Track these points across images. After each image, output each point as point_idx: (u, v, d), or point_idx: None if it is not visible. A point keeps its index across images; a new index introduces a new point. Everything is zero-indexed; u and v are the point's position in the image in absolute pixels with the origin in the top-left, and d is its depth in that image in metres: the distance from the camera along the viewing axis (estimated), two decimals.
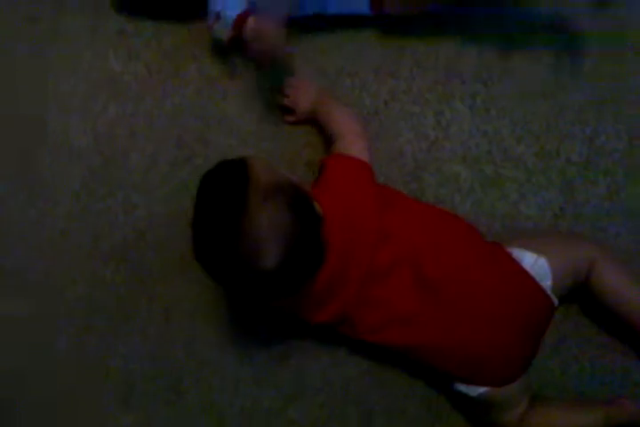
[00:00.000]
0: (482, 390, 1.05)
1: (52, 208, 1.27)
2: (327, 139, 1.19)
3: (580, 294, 1.11)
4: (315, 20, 1.24)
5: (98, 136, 1.27)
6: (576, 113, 1.22)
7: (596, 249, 1.09)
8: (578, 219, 1.20)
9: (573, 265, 1.07)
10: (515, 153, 1.22)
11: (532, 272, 1.05)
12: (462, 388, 1.07)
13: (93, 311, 1.23)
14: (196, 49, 1.29)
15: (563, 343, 1.16)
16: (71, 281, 1.24)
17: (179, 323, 1.22)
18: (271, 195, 0.91)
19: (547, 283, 1.05)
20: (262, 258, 0.90)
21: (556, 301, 1.07)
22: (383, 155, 1.17)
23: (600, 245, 1.13)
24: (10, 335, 1.24)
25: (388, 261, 1.02)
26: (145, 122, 1.27)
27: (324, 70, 1.27)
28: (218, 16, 1.17)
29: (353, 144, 1.12)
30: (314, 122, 1.23)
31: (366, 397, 1.17)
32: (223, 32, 1.18)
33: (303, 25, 1.24)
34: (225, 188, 0.93)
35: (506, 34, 1.25)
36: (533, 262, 1.05)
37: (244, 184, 0.91)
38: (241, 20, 1.14)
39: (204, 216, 0.95)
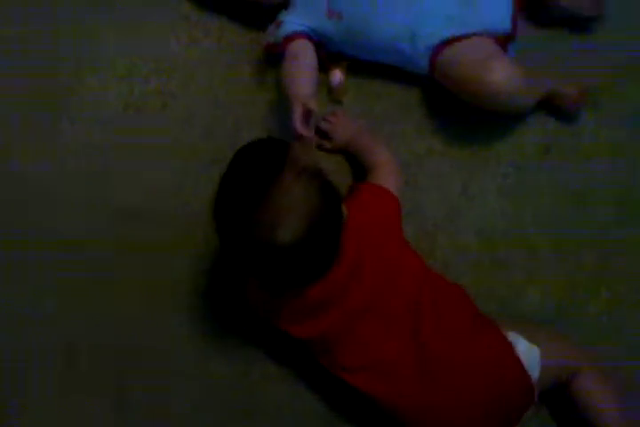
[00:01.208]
0: None
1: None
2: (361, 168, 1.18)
3: (555, 396, 1.07)
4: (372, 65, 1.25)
5: (129, 103, 1.24)
6: (602, 225, 1.21)
7: (586, 357, 1.06)
8: (573, 323, 1.16)
9: (560, 366, 1.03)
10: (530, 241, 1.19)
11: (524, 360, 0.99)
12: None
13: None
14: (253, 54, 1.28)
15: None
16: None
17: None
18: (306, 173, 0.89)
19: (534, 375, 1.00)
20: (280, 230, 0.86)
21: (536, 395, 1.01)
22: (403, 206, 1.13)
23: (589, 354, 1.08)
24: None
25: (397, 303, 0.98)
26: (182, 106, 1.24)
27: (370, 111, 1.26)
28: (278, 25, 1.18)
29: (388, 177, 1.11)
30: (347, 153, 1.22)
31: None
32: (271, 39, 1.20)
33: (363, 66, 1.25)
34: (264, 156, 0.92)
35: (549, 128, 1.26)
36: (527, 351, 1.00)
37: (283, 157, 0.89)
38: (291, 38, 1.17)
39: (234, 176, 0.92)
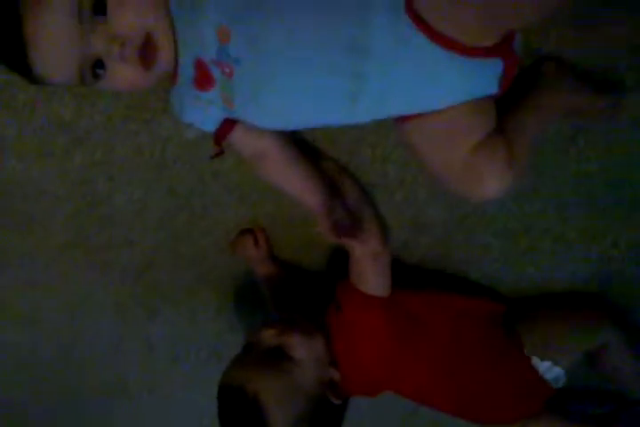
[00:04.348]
0: None
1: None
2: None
3: None
4: None
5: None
6: None
7: (612, 334, 1.10)
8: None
9: (587, 352, 1.10)
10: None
11: (548, 379, 1.09)
12: None
13: None
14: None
15: None
16: None
17: None
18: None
19: (558, 385, 1.10)
20: None
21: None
22: (408, 224, 1.09)
23: (616, 328, 1.11)
24: None
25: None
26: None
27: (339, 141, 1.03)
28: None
29: (367, 273, 1.01)
30: None
31: None
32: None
33: None
34: None
35: None
36: (549, 370, 1.09)
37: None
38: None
39: None
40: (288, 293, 1.17)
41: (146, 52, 0.75)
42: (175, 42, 0.78)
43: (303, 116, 0.81)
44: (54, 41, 0.73)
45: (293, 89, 0.77)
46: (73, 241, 1.22)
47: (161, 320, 1.34)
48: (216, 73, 0.79)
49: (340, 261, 1.10)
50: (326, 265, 1.18)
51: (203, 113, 0.84)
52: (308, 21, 0.73)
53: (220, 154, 0.88)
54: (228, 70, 0.77)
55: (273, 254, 1.17)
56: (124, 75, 0.77)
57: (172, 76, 0.81)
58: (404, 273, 1.11)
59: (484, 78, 0.79)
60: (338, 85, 0.75)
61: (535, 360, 1.08)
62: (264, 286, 1.18)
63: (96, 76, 0.77)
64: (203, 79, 0.80)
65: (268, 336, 0.99)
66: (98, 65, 0.76)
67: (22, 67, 0.76)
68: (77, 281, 1.30)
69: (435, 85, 0.77)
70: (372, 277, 1.01)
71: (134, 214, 1.16)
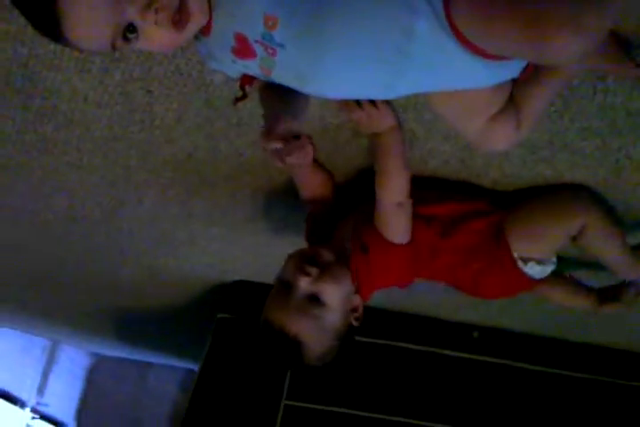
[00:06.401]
0: None
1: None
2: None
3: None
4: None
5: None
6: None
7: (590, 214, 1.18)
8: None
9: (568, 237, 1.19)
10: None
11: (530, 273, 1.23)
12: None
13: None
14: None
15: None
16: None
17: None
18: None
19: (542, 275, 1.24)
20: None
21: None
22: (435, 136, 1.16)
23: (594, 208, 1.20)
24: None
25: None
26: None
27: None
28: None
29: (391, 218, 1.13)
30: None
31: None
32: None
33: None
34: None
35: None
36: (533, 268, 1.23)
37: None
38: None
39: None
40: (326, 199, 1.24)
41: (179, 16, 0.76)
42: (210, 5, 0.78)
43: (341, 94, 0.90)
44: (89, 11, 0.73)
45: (338, 77, 0.83)
46: (114, 136, 1.29)
47: (200, 197, 1.46)
48: (259, 50, 0.81)
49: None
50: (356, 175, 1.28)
51: (234, 69, 0.88)
52: (361, 22, 0.77)
53: (243, 98, 0.90)
54: (271, 51, 0.81)
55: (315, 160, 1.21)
56: (156, 38, 0.78)
57: (203, 31, 0.82)
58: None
59: (509, 71, 0.87)
60: (379, 77, 0.83)
61: (520, 263, 1.21)
62: (303, 191, 1.25)
63: (127, 40, 0.77)
64: (243, 51, 0.83)
65: (305, 284, 1.06)
66: (129, 29, 0.76)
67: (55, 35, 0.76)
68: (120, 164, 1.39)
69: (464, 79, 0.86)
70: (395, 225, 1.12)
71: (173, 120, 1.21)
